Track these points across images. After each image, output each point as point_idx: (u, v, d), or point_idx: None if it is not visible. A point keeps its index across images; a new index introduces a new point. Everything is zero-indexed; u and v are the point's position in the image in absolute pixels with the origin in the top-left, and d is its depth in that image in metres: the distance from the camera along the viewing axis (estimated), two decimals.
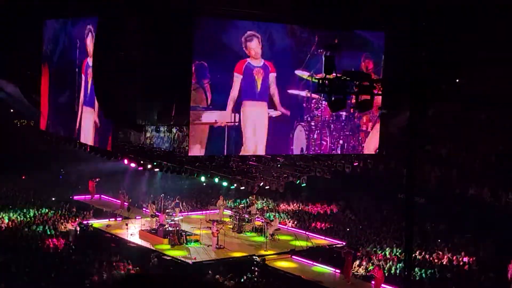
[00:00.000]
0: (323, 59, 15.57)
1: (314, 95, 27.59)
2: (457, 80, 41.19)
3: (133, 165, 30.40)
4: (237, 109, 26.58)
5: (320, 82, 15.50)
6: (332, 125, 28.20)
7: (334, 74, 15.62)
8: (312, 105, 27.79)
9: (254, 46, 26.80)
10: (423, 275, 28.82)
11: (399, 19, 27.58)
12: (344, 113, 28.19)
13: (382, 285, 27.34)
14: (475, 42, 41.40)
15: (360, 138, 29.06)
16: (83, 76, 30.10)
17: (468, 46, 41.63)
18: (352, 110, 27.57)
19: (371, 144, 29.61)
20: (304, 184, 30.96)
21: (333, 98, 16.12)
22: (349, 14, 23.62)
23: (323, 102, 27.60)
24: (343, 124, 28.40)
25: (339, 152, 29.69)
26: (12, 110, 45.86)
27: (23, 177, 43.16)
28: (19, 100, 40.17)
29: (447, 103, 40.40)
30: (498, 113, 37.87)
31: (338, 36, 26.41)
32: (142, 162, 30.14)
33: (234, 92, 26.45)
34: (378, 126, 29.10)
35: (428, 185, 36.12)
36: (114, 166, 41.58)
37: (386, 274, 28.82)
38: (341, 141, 28.91)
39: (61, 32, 31.78)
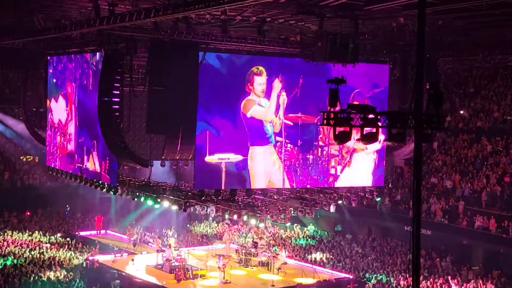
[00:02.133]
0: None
1: (278, 138, 27.86)
2: (461, 112, 41.32)
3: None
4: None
5: (325, 115, 15.52)
6: (298, 169, 28.30)
7: (339, 107, 15.66)
8: (277, 148, 27.96)
9: (261, 81, 27.13)
10: None
11: (404, 52, 27.81)
12: (311, 157, 28.35)
13: None
14: (479, 76, 41.64)
15: (329, 181, 29.31)
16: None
17: (473, 78, 41.87)
18: (319, 154, 28.04)
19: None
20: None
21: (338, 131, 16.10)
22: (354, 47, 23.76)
23: (288, 144, 27.82)
24: (310, 168, 28.48)
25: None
26: (20, 148, 46.02)
27: (27, 213, 43.10)
28: (26, 137, 40.36)
29: (452, 135, 40.46)
30: (504, 145, 37.83)
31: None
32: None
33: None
34: (348, 168, 29.31)
35: (434, 217, 35.96)
36: (121, 201, 41.64)
37: None
38: (308, 185, 29.22)
39: (64, 68, 32.01)
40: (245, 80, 26.97)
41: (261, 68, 27.17)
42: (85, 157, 30.02)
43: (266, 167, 27.82)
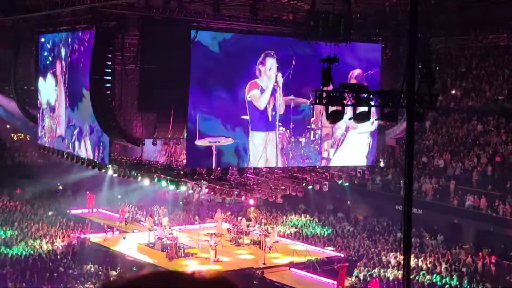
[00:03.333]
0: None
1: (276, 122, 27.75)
2: (453, 92, 41.41)
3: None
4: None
5: (318, 94, 15.54)
6: (290, 152, 28.18)
7: (331, 86, 15.69)
8: (276, 135, 27.84)
9: (271, 65, 27.03)
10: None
11: (396, 31, 27.78)
12: (303, 140, 28.24)
13: None
14: (471, 55, 41.69)
15: (321, 164, 29.32)
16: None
17: (465, 58, 41.91)
18: (312, 137, 28.00)
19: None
20: None
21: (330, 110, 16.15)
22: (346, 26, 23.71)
23: (280, 127, 27.70)
24: (302, 151, 28.38)
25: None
26: (8, 126, 45.85)
27: (18, 191, 43.02)
28: (17, 115, 40.14)
29: (443, 115, 40.57)
30: (495, 124, 37.97)
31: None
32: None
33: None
34: (341, 148, 29.24)
35: (425, 196, 36.15)
36: (111, 178, 41.56)
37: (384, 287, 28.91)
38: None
39: (54, 46, 31.78)
40: (253, 62, 26.78)
41: (270, 51, 27.05)
42: (76, 143, 29.85)
43: (263, 153, 27.73)
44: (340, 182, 31.41)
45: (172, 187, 29.52)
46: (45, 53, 32.76)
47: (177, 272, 2.92)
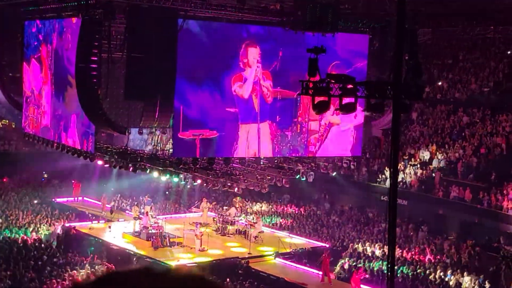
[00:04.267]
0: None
1: (260, 114, 27.72)
2: (440, 83, 41.50)
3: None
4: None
5: (304, 84, 15.52)
6: (276, 147, 28.13)
7: (318, 77, 15.67)
8: (261, 126, 27.82)
9: (254, 54, 26.93)
10: (406, 272, 29.16)
11: (383, 22, 27.79)
12: (289, 133, 28.23)
13: (364, 286, 27.50)
14: (458, 47, 41.78)
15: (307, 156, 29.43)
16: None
17: (451, 50, 42.00)
18: (298, 130, 28.00)
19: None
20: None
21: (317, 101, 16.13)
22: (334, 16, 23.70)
23: (267, 120, 27.69)
24: (289, 144, 28.36)
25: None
26: None
27: (5, 180, 42.75)
28: (3, 102, 39.88)
29: (429, 106, 40.67)
30: (480, 116, 38.10)
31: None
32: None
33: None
34: (327, 142, 29.24)
35: (411, 187, 36.26)
36: (96, 167, 41.42)
37: (368, 276, 29.03)
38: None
39: (39, 32, 31.55)
40: (237, 53, 26.70)
41: (253, 41, 26.97)
42: (63, 134, 29.66)
43: (249, 145, 27.69)
44: (328, 172, 31.52)
45: (157, 175, 29.44)
46: (31, 40, 32.54)
47: (150, 270, 2.70)
